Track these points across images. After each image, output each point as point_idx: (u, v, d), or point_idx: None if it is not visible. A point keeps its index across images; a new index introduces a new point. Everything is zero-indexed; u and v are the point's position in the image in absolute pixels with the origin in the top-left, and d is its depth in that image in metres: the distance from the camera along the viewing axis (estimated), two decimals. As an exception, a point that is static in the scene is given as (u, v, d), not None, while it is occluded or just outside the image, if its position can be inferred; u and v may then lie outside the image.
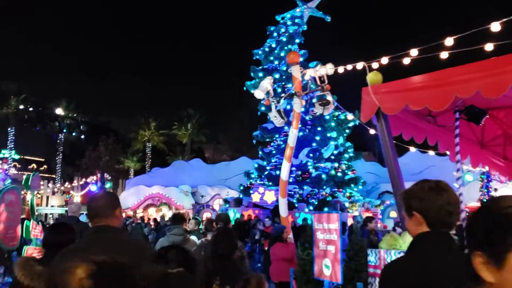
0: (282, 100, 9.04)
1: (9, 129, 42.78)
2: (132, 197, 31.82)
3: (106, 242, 2.37)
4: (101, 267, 1.05)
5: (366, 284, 6.47)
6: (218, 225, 6.70)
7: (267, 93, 9.00)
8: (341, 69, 7.78)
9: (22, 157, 46.10)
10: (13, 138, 42.57)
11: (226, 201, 25.94)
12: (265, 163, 25.83)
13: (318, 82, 8.89)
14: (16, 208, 6.12)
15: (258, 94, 8.85)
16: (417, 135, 7.78)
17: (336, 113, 25.24)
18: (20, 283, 2.75)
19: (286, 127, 25.17)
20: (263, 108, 26.93)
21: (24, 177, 6.57)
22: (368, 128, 10.03)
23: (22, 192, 22.25)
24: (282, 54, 25.57)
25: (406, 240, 6.39)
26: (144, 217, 26.39)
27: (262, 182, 24.68)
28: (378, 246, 9.83)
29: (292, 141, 8.98)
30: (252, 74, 26.46)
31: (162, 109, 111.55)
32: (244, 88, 26.95)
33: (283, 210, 8.97)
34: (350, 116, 9.52)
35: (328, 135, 24.71)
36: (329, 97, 8.83)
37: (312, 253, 6.48)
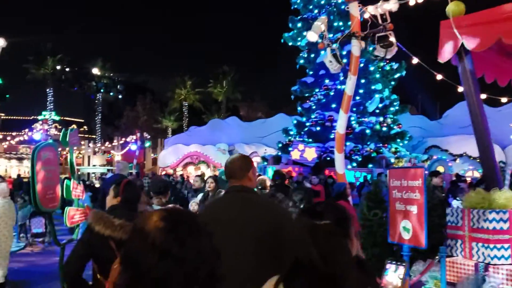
0: (338, 43, 8.01)
1: (47, 90, 42.97)
2: (171, 156, 31.85)
3: (238, 199, 2.70)
4: (171, 213, 1.31)
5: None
6: (276, 182, 6.22)
7: (321, 35, 8.00)
8: (412, 1, 6.68)
9: (62, 118, 46.72)
10: (52, 99, 42.84)
11: (264, 158, 25.29)
12: (304, 119, 24.87)
13: (380, 21, 7.83)
14: (55, 166, 5.54)
15: (311, 36, 7.87)
16: (500, 77, 6.70)
17: (381, 64, 23.77)
18: (98, 235, 2.95)
19: (327, 80, 24.04)
20: (301, 61, 25.76)
21: (61, 133, 5.96)
22: (435, 74, 8.94)
23: (64, 152, 22.44)
24: (322, 2, 24.04)
25: (496, 198, 5.49)
26: (183, 175, 26.25)
27: (301, 139, 23.84)
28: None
29: (350, 89, 8.03)
30: (290, 25, 25.09)
31: (197, 67, 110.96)
32: (282, 41, 25.73)
33: (340, 166, 8.16)
34: (414, 60, 8.45)
35: (373, 87, 23.40)
36: (392, 38, 7.77)
37: (386, 214, 5.72)
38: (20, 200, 12.86)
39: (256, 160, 30.18)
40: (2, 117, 45.85)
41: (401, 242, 5.17)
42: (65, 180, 5.96)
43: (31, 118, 44.11)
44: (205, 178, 7.83)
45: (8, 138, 36.65)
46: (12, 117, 46.93)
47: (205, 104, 51.49)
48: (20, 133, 37.43)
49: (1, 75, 29.31)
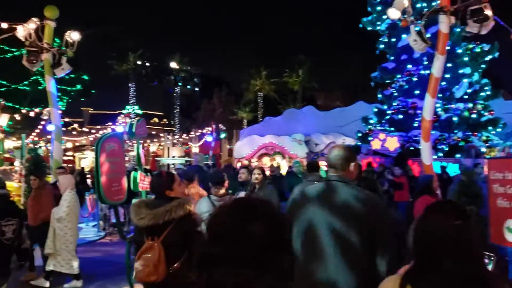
0: (423, 19, 7.16)
1: (129, 85, 44.91)
2: (246, 147, 31.76)
3: (334, 188, 2.69)
4: (239, 200, 1.47)
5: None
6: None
7: (404, 11, 7.19)
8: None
9: (144, 111, 48.62)
10: (134, 93, 44.70)
11: (342, 149, 24.24)
12: (385, 106, 23.57)
13: (473, -9, 6.88)
14: (120, 158, 5.39)
15: (393, 13, 7.09)
16: None
17: (470, 46, 21.83)
18: (136, 225, 3.38)
19: (409, 65, 22.56)
20: (381, 46, 24.43)
21: (128, 123, 5.82)
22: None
23: (145, 144, 23.15)
24: (403, -18, 22.51)
25: None
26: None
27: (382, 128, 22.61)
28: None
29: (437, 70, 7.16)
30: (369, 9, 23.84)
31: (272, 57, 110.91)
32: (360, 26, 24.55)
33: (427, 156, 7.32)
34: (515, 34, 7.37)
35: (460, 71, 21.54)
36: (488, 11, 6.79)
37: (482, 210, 4.92)
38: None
39: (333, 150, 29.37)
40: (90, 112, 48.82)
41: (505, 245, 4.37)
42: (132, 172, 5.82)
43: (116, 112, 46.47)
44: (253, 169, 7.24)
45: (93, 131, 38.91)
46: (99, 112, 49.80)
47: (280, 94, 51.10)
48: (103, 126, 39.51)
49: (87, 71, 31.06)
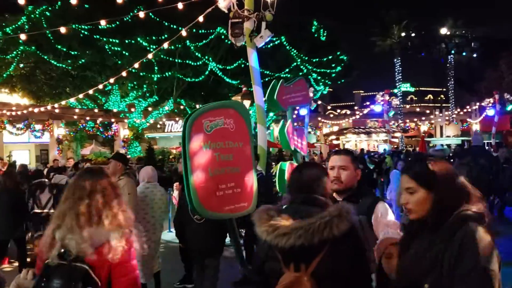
0: None
1: (394, 60, 41.39)
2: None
3: None
4: None
5: None
6: None
7: None
8: None
9: (416, 89, 44.08)
10: (400, 69, 40.96)
11: None
12: None
13: None
14: (238, 142, 3.32)
15: None
16: None
17: None
18: None
19: None
20: None
21: (269, 87, 3.72)
22: None
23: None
24: None
25: None
26: None
27: None
28: None
29: None
30: None
31: None
32: None
33: None
34: None
35: None
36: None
37: None
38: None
39: None
40: (361, 94, 47.86)
41: None
42: (280, 164, 3.70)
43: (384, 92, 43.95)
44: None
45: (348, 112, 37.65)
46: (368, 94, 48.04)
47: None
48: (359, 110, 37.75)
49: (348, 52, 30.05)
